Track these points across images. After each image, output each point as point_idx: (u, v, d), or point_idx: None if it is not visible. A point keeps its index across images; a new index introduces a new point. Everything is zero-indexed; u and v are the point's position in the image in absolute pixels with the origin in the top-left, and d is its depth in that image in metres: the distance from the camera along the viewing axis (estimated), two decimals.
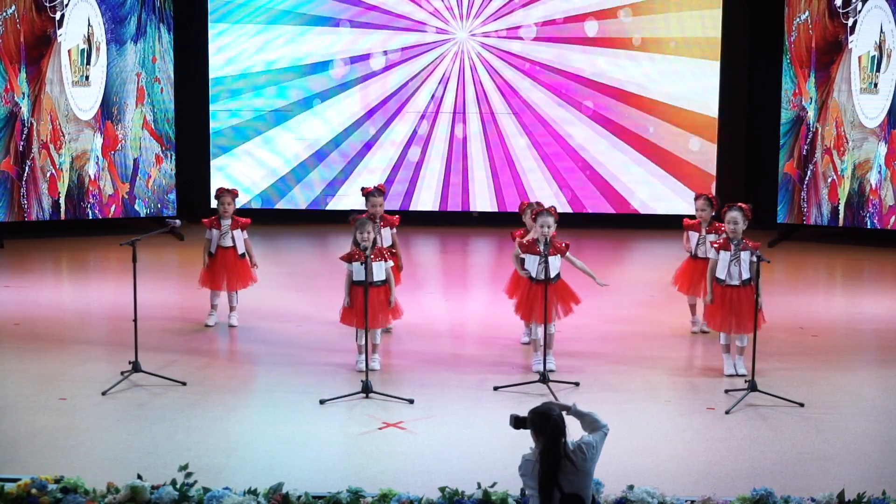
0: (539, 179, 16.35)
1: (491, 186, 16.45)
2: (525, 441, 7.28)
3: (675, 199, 16.06)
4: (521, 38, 16.21)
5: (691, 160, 16.18)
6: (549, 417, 5.10)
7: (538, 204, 9.66)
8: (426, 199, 16.50)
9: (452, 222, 16.42)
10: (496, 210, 16.34)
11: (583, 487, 5.13)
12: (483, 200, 16.48)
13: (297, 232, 16.17)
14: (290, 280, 12.88)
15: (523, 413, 5.28)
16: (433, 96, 16.42)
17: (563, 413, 5.22)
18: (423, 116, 16.45)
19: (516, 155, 16.40)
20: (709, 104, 16.08)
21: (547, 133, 16.34)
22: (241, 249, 10.19)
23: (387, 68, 16.40)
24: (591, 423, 5.31)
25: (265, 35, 16.40)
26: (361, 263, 8.33)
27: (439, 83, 16.41)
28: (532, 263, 8.71)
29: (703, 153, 16.15)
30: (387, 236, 9.76)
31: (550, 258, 8.57)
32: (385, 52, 16.29)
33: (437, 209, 16.52)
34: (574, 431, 5.30)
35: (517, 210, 9.91)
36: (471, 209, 16.51)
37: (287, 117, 16.54)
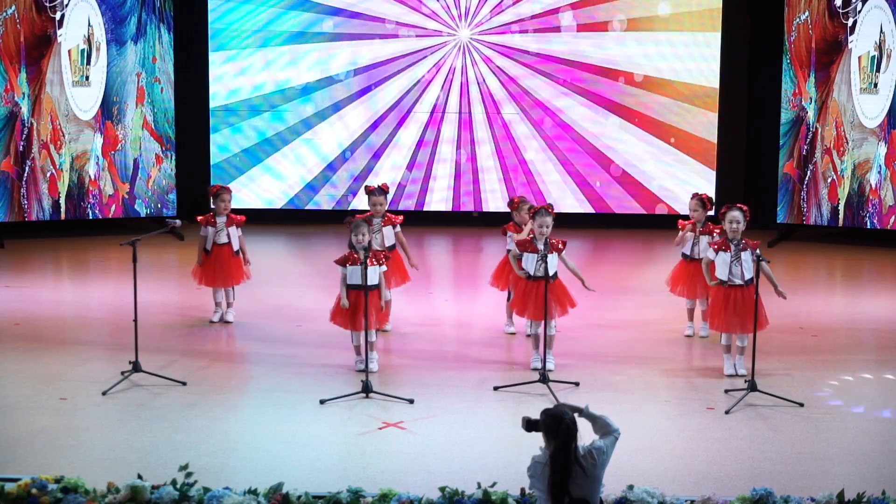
0: (540, 179, 16.36)
1: (490, 185, 16.46)
2: (525, 441, 7.29)
3: (675, 199, 16.05)
4: (521, 36, 16.24)
5: (692, 160, 16.18)
6: (561, 420, 5.05)
7: (522, 199, 9.76)
8: (428, 200, 16.51)
9: (451, 222, 16.42)
10: (497, 210, 16.33)
11: (591, 492, 5.11)
12: (484, 200, 16.47)
13: (298, 232, 16.17)
14: (291, 280, 12.89)
15: (535, 416, 5.23)
16: (434, 97, 16.44)
17: (576, 415, 5.19)
18: (409, 116, 16.49)
19: (515, 154, 16.40)
20: (709, 104, 16.08)
21: (546, 132, 16.34)
22: (235, 246, 10.22)
23: (387, 69, 16.44)
24: (602, 426, 5.26)
25: (266, 33, 16.40)
26: (361, 265, 8.32)
27: (438, 83, 16.41)
28: (530, 262, 8.72)
29: (703, 153, 16.15)
30: (388, 235, 9.77)
31: (549, 256, 8.59)
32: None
33: (439, 210, 16.53)
34: (584, 433, 5.27)
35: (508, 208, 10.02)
36: (474, 209, 16.51)
37: (287, 118, 16.54)
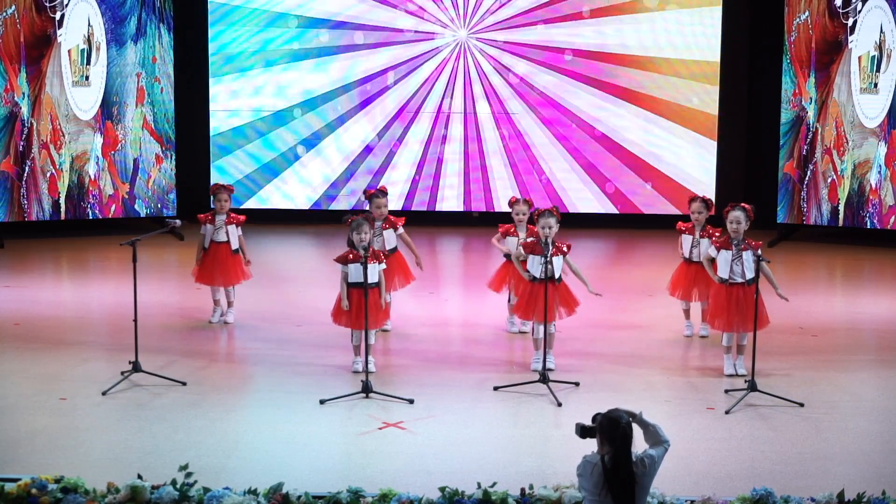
0: (539, 178, 16.36)
1: (490, 185, 16.46)
2: (525, 442, 7.30)
3: (676, 199, 16.05)
4: (521, 34, 16.25)
5: (691, 160, 16.19)
6: (618, 424, 5.00)
7: (525, 200, 9.80)
8: (426, 199, 16.52)
9: (451, 222, 16.42)
10: (494, 210, 16.32)
11: (639, 500, 5.07)
12: (483, 200, 16.48)
13: (298, 232, 16.17)
14: (290, 280, 12.89)
15: (589, 422, 5.16)
16: (431, 97, 16.45)
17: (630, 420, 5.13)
18: (416, 116, 16.49)
19: (517, 154, 16.40)
20: (709, 104, 16.08)
21: (548, 132, 16.34)
22: (234, 245, 10.20)
23: (387, 70, 16.45)
24: (653, 434, 5.22)
25: (265, 35, 16.41)
26: (361, 265, 8.32)
27: (439, 84, 16.42)
28: (535, 264, 8.71)
29: (704, 153, 16.16)
30: (389, 238, 9.76)
31: (554, 258, 8.58)
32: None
33: (434, 209, 16.54)
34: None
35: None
36: (472, 208, 16.52)
37: (287, 118, 16.54)
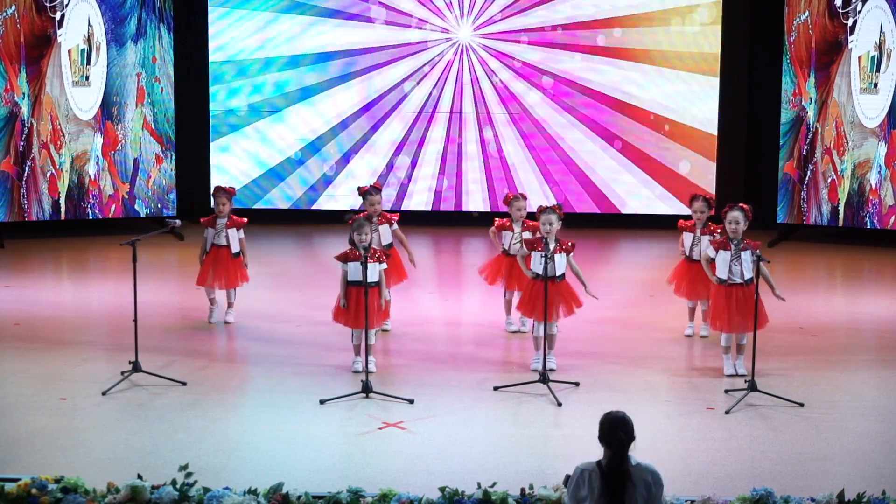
0: (538, 180, 16.35)
1: (487, 187, 16.45)
2: (525, 442, 7.30)
3: (676, 199, 16.05)
4: (520, 41, 16.24)
5: (691, 160, 16.19)
6: (616, 429, 4.92)
7: (522, 196, 9.86)
8: (421, 200, 16.51)
9: (447, 223, 16.41)
10: (491, 210, 16.32)
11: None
12: (478, 201, 16.48)
13: (298, 232, 16.17)
14: (290, 280, 12.89)
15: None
16: (430, 96, 16.44)
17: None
18: (418, 116, 16.48)
19: (515, 155, 16.40)
20: (709, 104, 16.08)
21: (546, 133, 16.34)
22: (235, 248, 10.19)
23: (387, 64, 16.46)
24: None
25: (265, 34, 16.41)
26: (361, 264, 8.32)
27: (438, 84, 16.42)
28: (537, 261, 8.70)
29: (704, 153, 16.16)
30: (385, 234, 9.81)
31: (556, 256, 8.57)
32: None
33: (430, 209, 16.53)
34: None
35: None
36: (467, 210, 16.51)
37: (287, 118, 16.54)
